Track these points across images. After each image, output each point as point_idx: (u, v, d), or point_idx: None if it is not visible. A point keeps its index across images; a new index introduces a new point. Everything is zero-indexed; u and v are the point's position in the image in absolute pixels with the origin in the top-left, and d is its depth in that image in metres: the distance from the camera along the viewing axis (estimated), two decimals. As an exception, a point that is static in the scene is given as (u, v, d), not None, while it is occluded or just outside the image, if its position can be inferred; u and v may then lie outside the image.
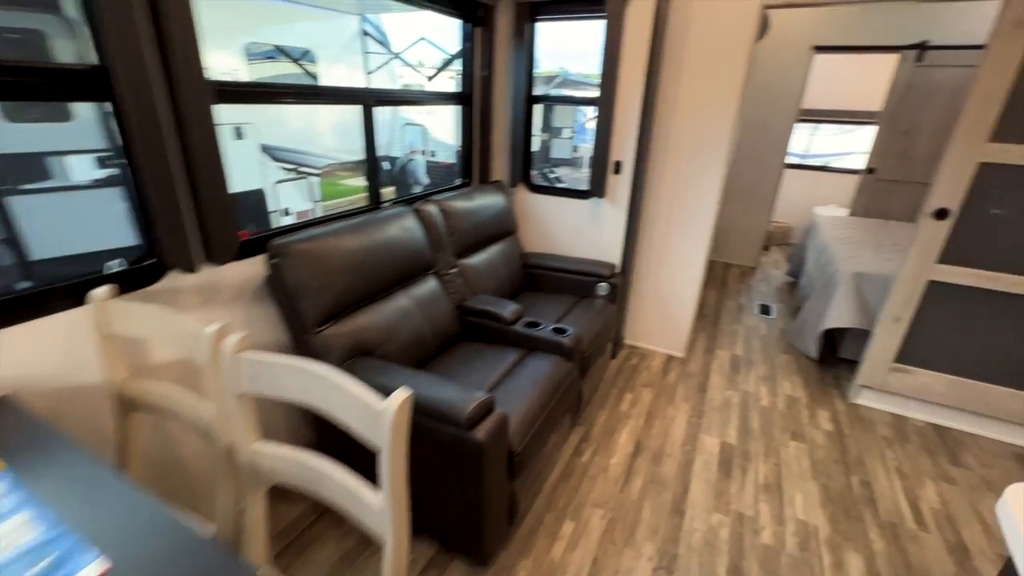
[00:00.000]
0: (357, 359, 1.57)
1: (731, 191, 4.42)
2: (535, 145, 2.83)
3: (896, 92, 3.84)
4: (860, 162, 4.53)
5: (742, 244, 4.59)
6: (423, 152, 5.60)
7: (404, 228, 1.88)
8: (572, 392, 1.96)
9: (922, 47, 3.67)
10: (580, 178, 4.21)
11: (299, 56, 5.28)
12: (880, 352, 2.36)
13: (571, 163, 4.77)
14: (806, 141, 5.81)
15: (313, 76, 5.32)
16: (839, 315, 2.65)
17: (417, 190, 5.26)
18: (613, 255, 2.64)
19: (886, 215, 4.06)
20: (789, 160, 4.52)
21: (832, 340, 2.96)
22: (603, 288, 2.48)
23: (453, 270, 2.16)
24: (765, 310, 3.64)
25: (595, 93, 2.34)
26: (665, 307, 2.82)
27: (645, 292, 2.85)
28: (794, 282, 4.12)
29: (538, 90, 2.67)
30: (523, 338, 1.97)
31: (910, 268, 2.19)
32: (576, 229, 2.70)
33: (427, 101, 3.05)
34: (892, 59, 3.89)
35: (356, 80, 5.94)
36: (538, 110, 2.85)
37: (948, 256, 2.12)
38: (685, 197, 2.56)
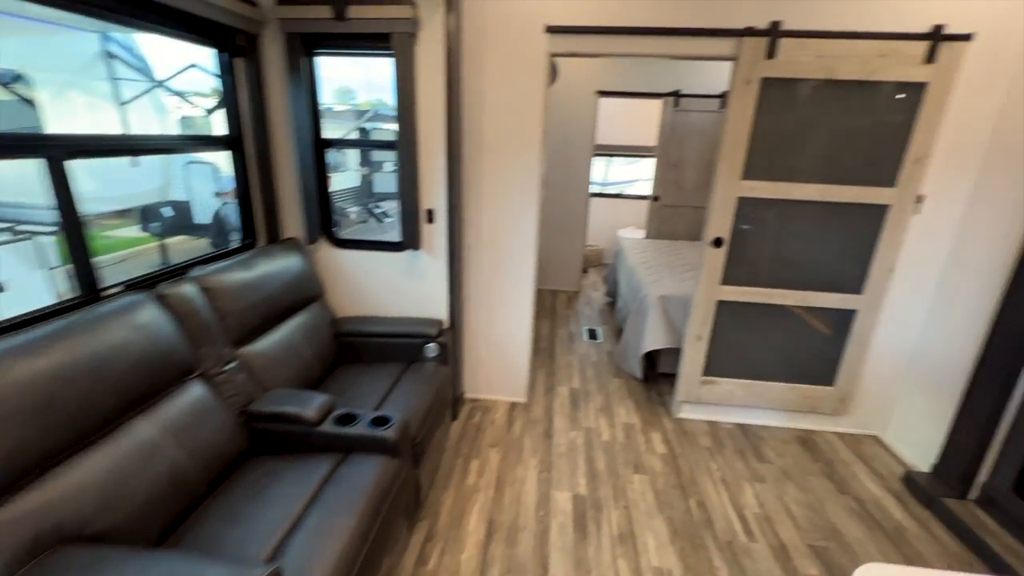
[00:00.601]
0: (49, 556, 1.00)
1: (548, 222, 4.63)
2: (354, 181, 2.47)
3: (664, 131, 4.49)
4: (648, 189, 5.19)
5: (564, 270, 4.84)
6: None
7: (137, 328, 1.34)
8: (405, 493, 1.63)
9: (677, 95, 4.36)
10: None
11: (7, 80, 3.96)
12: (691, 369, 2.58)
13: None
14: (604, 171, 6.52)
15: (31, 104, 4.04)
16: (654, 338, 2.85)
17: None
18: (439, 310, 2.41)
19: (674, 236, 4.70)
20: (592, 189, 4.95)
21: (652, 358, 3.20)
22: (432, 349, 2.22)
23: (230, 365, 1.66)
24: (593, 335, 3.82)
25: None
26: (502, 353, 2.70)
27: (479, 341, 2.68)
28: (612, 302, 4.47)
29: (344, 126, 2.33)
30: (335, 439, 1.58)
31: (702, 291, 2.43)
32: (394, 285, 2.40)
33: (172, 146, 2.41)
34: (658, 103, 4.56)
35: (101, 112, 4.73)
36: (345, 148, 2.48)
37: (728, 278, 2.40)
38: (505, 238, 2.48)
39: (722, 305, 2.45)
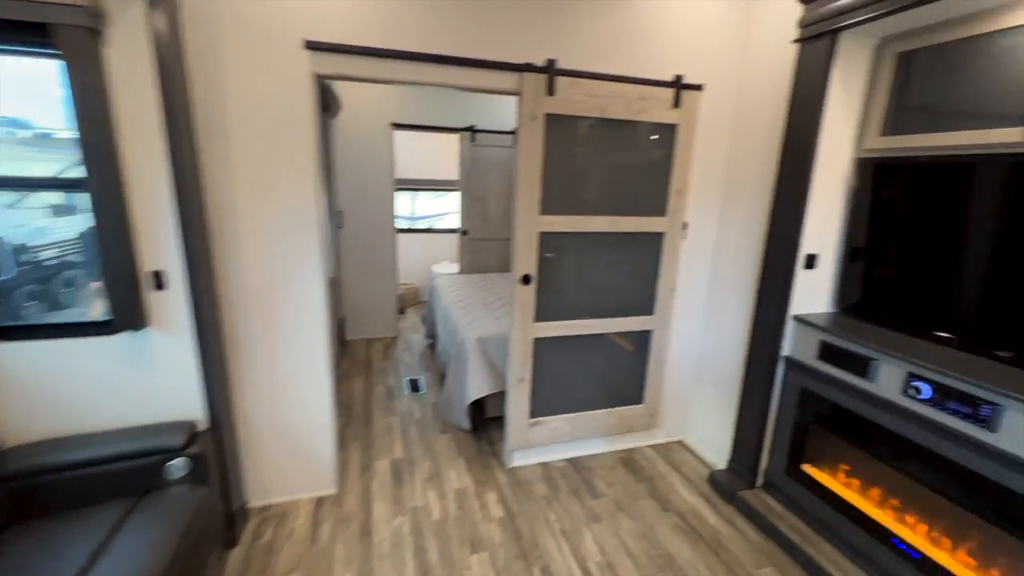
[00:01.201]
0: None
1: (354, 265, 4.13)
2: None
3: (464, 165, 4.47)
4: (457, 222, 5.11)
5: (378, 315, 4.38)
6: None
7: None
8: None
9: (472, 130, 4.39)
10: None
11: None
12: (517, 414, 2.42)
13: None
14: (410, 206, 6.28)
15: None
16: (477, 385, 2.63)
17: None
18: (189, 407, 1.75)
19: (486, 269, 4.68)
20: (401, 225, 4.64)
21: (479, 403, 2.99)
22: (178, 467, 1.58)
23: None
24: (415, 386, 3.45)
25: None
26: (297, 441, 2.13)
27: (263, 434, 2.07)
28: (433, 343, 4.18)
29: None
30: None
31: (517, 331, 2.31)
32: (107, 385, 1.66)
33: None
34: (456, 137, 4.53)
35: None
36: None
37: (541, 314, 2.33)
38: (283, 294, 1.97)
39: (539, 343, 2.37)
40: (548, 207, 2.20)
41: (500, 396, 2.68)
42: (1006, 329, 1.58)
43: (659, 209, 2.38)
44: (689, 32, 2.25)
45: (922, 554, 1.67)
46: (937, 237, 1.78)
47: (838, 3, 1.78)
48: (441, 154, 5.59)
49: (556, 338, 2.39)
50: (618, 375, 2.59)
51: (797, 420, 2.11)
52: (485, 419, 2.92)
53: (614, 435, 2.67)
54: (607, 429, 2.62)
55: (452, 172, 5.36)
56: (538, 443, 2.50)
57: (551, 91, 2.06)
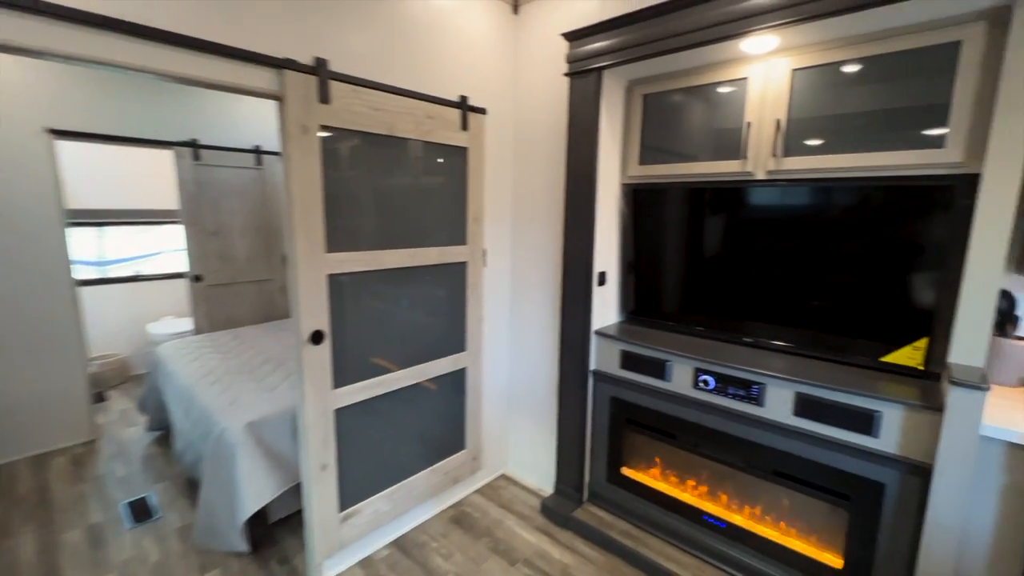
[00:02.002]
0: None
1: (-9, 347, 2.63)
2: None
3: (186, 190, 3.42)
4: (184, 265, 3.89)
5: (54, 413, 2.90)
6: None
7: None
8: None
9: (194, 145, 3.40)
10: None
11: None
12: (323, 511, 1.85)
13: None
14: (97, 246, 4.51)
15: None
16: (256, 490, 1.92)
17: None
18: None
19: (234, 323, 3.67)
20: (84, 274, 3.23)
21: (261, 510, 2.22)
22: None
23: None
24: (143, 512, 2.35)
25: None
26: None
27: None
28: (165, 433, 3.01)
29: None
30: None
31: (311, 405, 1.76)
32: None
33: None
34: (169, 155, 3.43)
35: None
36: None
37: (340, 378, 1.84)
38: None
39: (342, 413, 1.86)
40: (335, 243, 1.75)
41: (291, 491, 2.03)
42: (745, 318, 1.97)
43: (460, 237, 2.21)
44: (471, 55, 2.16)
45: (727, 522, 1.93)
46: (681, 248, 2.12)
47: (592, 46, 1.95)
48: (145, 176, 4.20)
49: (363, 402, 1.93)
50: (437, 425, 2.29)
51: (611, 428, 2.23)
52: (270, 526, 2.19)
53: (440, 493, 2.35)
54: (432, 490, 2.28)
55: (167, 200, 4.09)
56: (355, 538, 1.97)
57: (325, 98, 1.63)
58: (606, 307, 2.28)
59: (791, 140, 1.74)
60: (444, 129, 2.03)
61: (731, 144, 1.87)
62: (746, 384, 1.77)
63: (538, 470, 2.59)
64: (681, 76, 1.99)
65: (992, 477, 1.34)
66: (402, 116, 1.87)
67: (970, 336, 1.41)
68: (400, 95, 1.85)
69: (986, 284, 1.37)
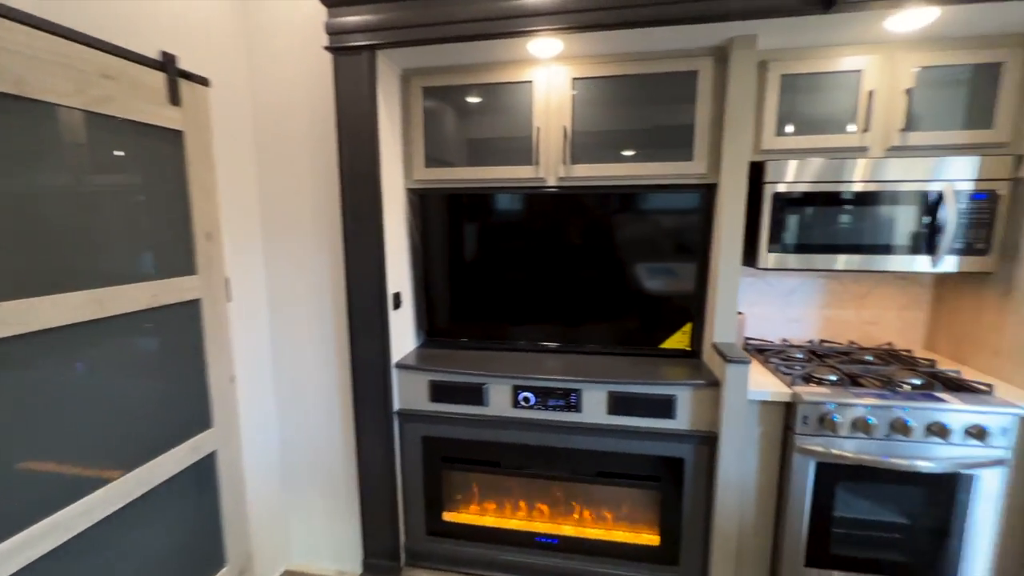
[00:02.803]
0: None
1: None
2: None
3: None
4: None
5: None
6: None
7: None
8: None
9: None
10: None
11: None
12: None
13: None
14: None
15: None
16: None
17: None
18: None
19: None
20: None
21: None
22: None
23: None
24: None
25: None
26: None
27: None
28: None
29: None
30: None
31: None
32: None
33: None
34: None
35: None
36: None
37: None
38: None
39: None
40: None
41: None
42: (545, 323, 1.97)
43: (185, 264, 1.49)
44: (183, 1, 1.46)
45: (559, 537, 1.88)
46: (476, 258, 1.99)
47: (358, 18, 1.59)
48: None
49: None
50: (176, 552, 1.51)
51: (426, 473, 1.92)
52: None
53: None
54: None
55: None
56: None
57: None
58: (404, 334, 1.94)
59: (578, 148, 1.78)
60: (137, 99, 1.31)
61: (523, 149, 1.81)
62: (565, 393, 1.74)
63: (337, 548, 2.05)
64: (465, 71, 1.81)
65: (752, 430, 1.64)
66: (47, 67, 1.09)
67: (725, 319, 1.69)
68: (40, 30, 1.07)
69: (731, 275, 1.66)
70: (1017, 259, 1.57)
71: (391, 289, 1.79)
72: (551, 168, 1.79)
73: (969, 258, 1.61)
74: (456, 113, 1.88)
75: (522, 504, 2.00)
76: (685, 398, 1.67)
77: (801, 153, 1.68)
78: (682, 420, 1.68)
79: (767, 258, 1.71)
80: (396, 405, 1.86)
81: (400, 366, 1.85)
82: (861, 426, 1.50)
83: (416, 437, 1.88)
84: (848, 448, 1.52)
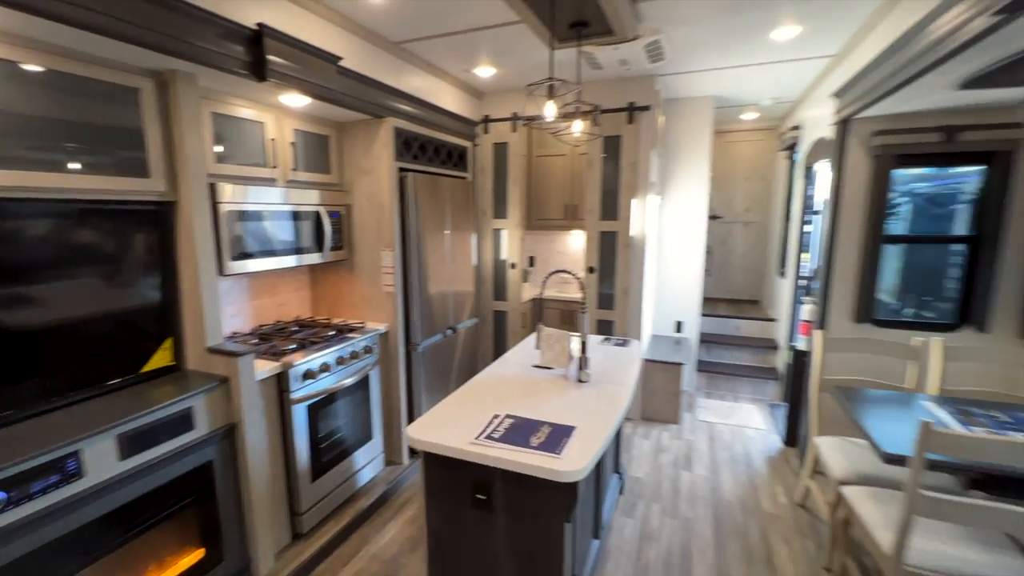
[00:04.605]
0: None
1: None
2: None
3: None
4: None
5: None
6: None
7: None
8: None
9: None
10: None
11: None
12: None
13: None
14: None
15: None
16: None
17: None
18: None
19: None
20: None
21: None
22: None
23: None
24: None
25: None
26: None
27: None
28: None
29: None
30: None
31: None
32: None
33: None
34: None
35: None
36: None
37: None
38: None
39: None
40: None
41: None
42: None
43: None
44: None
45: (81, 645, 1.46)
46: None
47: None
48: None
49: None
50: None
51: None
52: None
53: None
54: None
55: None
56: None
57: None
58: None
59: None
60: None
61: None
62: (55, 466, 1.37)
63: None
64: None
65: (257, 403, 2.00)
66: None
67: (213, 324, 1.90)
68: None
69: (211, 284, 1.89)
70: (355, 250, 2.77)
71: None
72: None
73: (336, 252, 2.64)
74: None
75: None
76: (201, 404, 1.77)
77: (235, 179, 2.08)
78: (202, 426, 1.78)
79: (230, 266, 2.03)
80: None
81: None
82: (325, 368, 2.25)
83: None
84: (321, 387, 2.23)
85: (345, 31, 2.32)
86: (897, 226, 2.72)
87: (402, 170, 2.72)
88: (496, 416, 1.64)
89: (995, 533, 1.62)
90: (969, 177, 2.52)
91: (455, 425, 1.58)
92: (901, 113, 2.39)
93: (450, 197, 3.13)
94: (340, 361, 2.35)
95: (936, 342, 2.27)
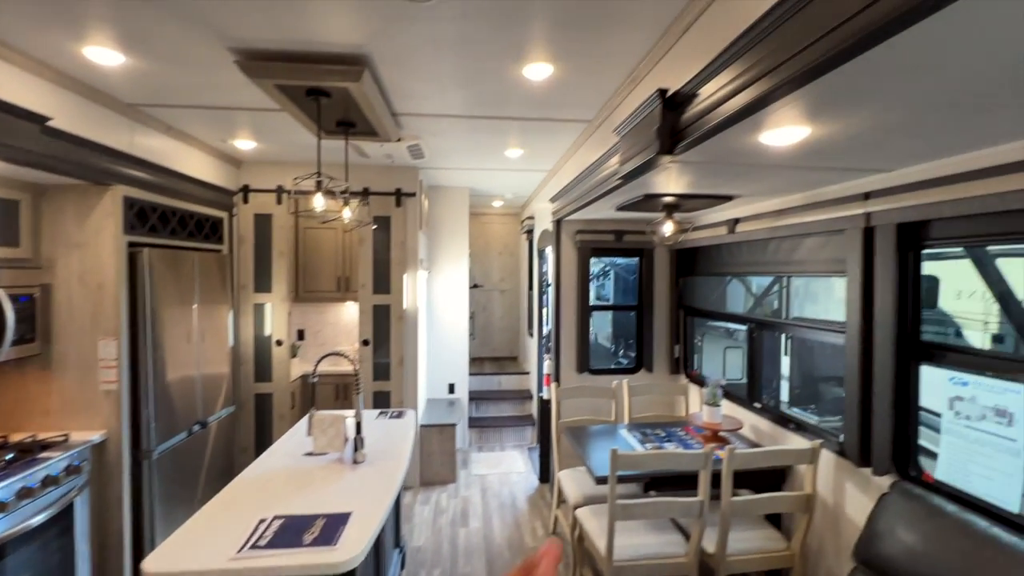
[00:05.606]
0: None
1: None
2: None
3: None
4: None
5: None
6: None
7: None
8: None
9: None
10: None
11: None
12: None
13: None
14: None
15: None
16: None
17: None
18: None
19: None
20: None
21: None
22: None
23: None
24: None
25: None
26: None
27: None
28: None
29: None
30: None
31: None
32: None
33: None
34: None
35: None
36: None
37: None
38: None
39: None
40: None
41: None
42: None
43: None
44: None
45: None
46: None
47: None
48: None
49: None
50: None
51: None
52: None
53: None
54: None
55: None
56: None
57: None
58: None
59: None
60: None
61: None
62: None
63: None
64: None
65: None
66: None
67: None
68: None
69: None
70: (54, 342, 2.18)
71: None
72: None
73: (21, 346, 2.04)
74: None
75: None
76: None
77: None
78: None
79: None
80: None
81: None
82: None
83: None
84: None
85: (60, 87, 1.95)
86: (609, 293, 3.71)
87: (134, 245, 2.33)
88: (263, 521, 1.53)
89: (664, 520, 2.30)
90: (634, 263, 3.66)
91: (210, 543, 1.41)
92: (591, 219, 3.34)
93: (200, 271, 2.80)
94: (25, 494, 1.78)
95: (624, 382, 3.13)
